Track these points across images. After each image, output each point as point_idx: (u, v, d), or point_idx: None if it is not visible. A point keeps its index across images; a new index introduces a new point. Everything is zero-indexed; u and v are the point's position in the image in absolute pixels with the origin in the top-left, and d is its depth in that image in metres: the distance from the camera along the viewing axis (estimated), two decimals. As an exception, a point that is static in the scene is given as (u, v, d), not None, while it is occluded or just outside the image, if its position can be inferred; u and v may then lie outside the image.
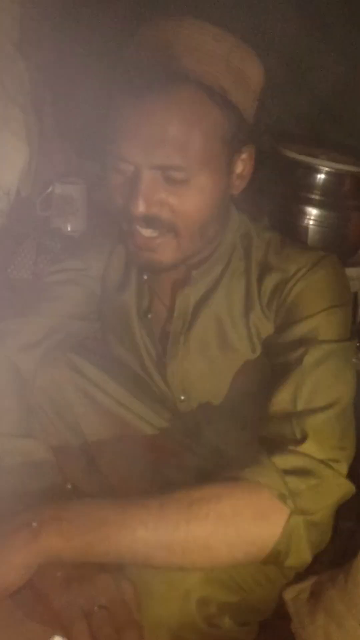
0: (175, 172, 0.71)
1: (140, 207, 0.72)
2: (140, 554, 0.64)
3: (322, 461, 0.67)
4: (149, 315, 0.89)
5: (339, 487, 0.67)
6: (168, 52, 0.70)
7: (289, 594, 0.76)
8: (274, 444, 0.69)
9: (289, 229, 1.03)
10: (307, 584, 0.76)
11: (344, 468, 0.69)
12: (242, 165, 0.78)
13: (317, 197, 1.13)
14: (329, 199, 1.13)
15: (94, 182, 1.44)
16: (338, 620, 0.70)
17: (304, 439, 0.68)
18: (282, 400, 0.72)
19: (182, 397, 0.89)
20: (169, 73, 0.69)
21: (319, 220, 1.13)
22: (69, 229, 1.44)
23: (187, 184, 0.72)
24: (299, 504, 0.65)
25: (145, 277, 0.89)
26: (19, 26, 1.29)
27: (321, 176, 1.12)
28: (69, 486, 0.82)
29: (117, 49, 0.79)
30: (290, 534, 0.65)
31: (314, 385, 0.71)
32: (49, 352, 0.90)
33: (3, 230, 1.34)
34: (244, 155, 0.78)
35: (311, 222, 1.13)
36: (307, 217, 1.13)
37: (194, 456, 0.89)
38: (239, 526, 0.64)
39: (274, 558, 0.66)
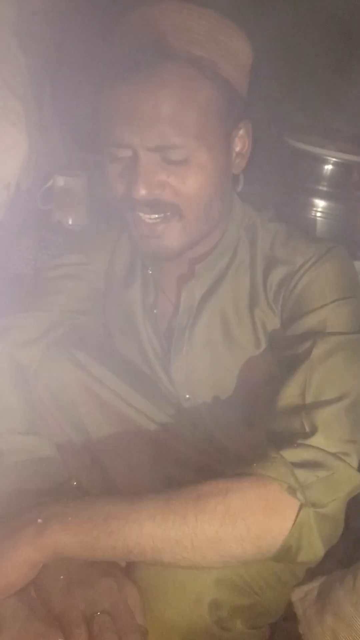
0: (173, 152, 0.71)
1: (142, 191, 0.71)
2: (148, 548, 0.63)
3: (332, 454, 0.66)
4: (155, 311, 0.88)
5: (349, 479, 0.66)
6: (153, 33, 0.70)
7: (296, 595, 0.75)
8: (283, 438, 0.68)
9: (296, 220, 1.01)
10: (314, 585, 0.75)
11: (354, 461, 0.68)
12: (241, 142, 0.78)
13: (324, 189, 1.12)
14: (337, 190, 1.11)
15: (96, 174, 1.43)
16: (346, 621, 0.69)
17: (313, 432, 0.67)
18: (290, 394, 0.70)
19: (187, 396, 0.88)
20: (155, 52, 0.69)
21: (327, 212, 1.12)
22: (70, 222, 1.42)
23: (187, 163, 0.72)
24: (309, 497, 0.64)
25: (150, 271, 0.87)
26: (18, 16, 1.27)
27: (329, 167, 1.11)
28: (74, 483, 0.81)
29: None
30: (301, 527, 0.64)
31: (323, 378, 0.70)
32: (51, 348, 0.89)
33: (3, 224, 1.32)
34: (241, 132, 0.77)
35: (318, 214, 1.12)
36: (315, 208, 1.12)
37: (198, 453, 0.88)
38: (248, 519, 0.63)
39: (285, 553, 0.65)
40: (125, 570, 0.68)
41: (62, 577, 0.64)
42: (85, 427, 0.90)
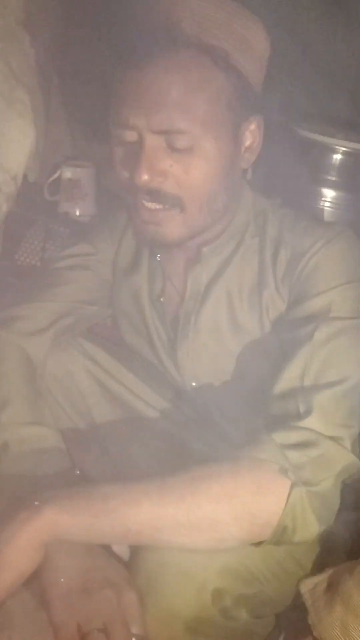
0: (178, 138, 0.70)
1: (144, 176, 0.71)
2: (147, 526, 0.63)
3: (324, 435, 0.67)
4: (161, 299, 0.88)
5: (340, 457, 0.67)
6: (168, 18, 0.70)
7: (305, 586, 0.75)
8: (277, 421, 0.68)
9: (305, 210, 1.01)
10: (323, 576, 0.75)
11: (347, 445, 0.68)
12: (251, 137, 0.77)
13: (333, 178, 1.10)
14: (346, 180, 1.10)
15: (103, 165, 1.42)
16: (356, 611, 0.69)
17: (307, 414, 0.67)
18: (289, 376, 0.70)
19: (194, 383, 0.88)
20: (169, 38, 0.69)
21: (335, 202, 1.11)
22: (77, 213, 1.42)
23: (192, 152, 0.71)
24: (301, 476, 0.65)
25: (158, 258, 0.87)
26: (26, 5, 1.26)
27: (337, 156, 1.10)
28: (77, 472, 0.81)
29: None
30: (294, 506, 0.64)
31: (324, 362, 0.70)
32: (59, 337, 0.89)
33: (10, 215, 1.32)
34: (252, 126, 0.77)
35: (327, 204, 1.11)
36: (323, 198, 1.11)
37: (206, 444, 0.88)
38: (243, 499, 0.64)
39: (282, 533, 0.65)
40: (129, 559, 0.68)
41: (62, 579, 0.64)
42: (93, 418, 0.91)
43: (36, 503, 0.64)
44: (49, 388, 0.89)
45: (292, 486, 0.64)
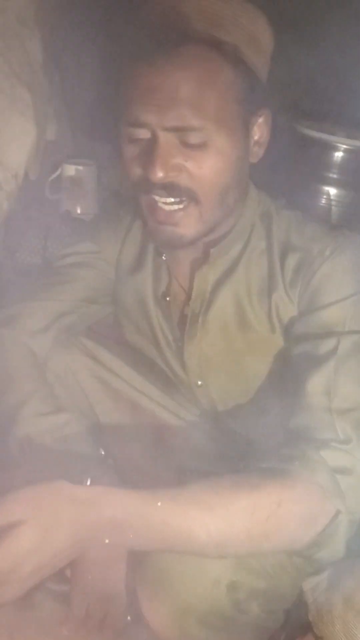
0: (191, 134, 0.70)
1: (159, 172, 0.71)
2: (196, 552, 0.64)
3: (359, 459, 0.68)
4: (167, 299, 0.88)
5: None
6: (176, 14, 0.70)
7: (307, 584, 0.75)
8: (315, 438, 0.68)
9: (307, 208, 1.01)
10: (325, 574, 0.75)
11: None
12: (259, 131, 0.78)
13: (336, 176, 1.10)
14: (349, 177, 1.10)
15: (104, 163, 1.42)
16: (356, 609, 0.69)
17: (348, 438, 0.68)
18: (315, 391, 0.71)
19: (199, 382, 0.88)
20: (179, 34, 0.69)
21: (338, 200, 1.11)
22: (79, 211, 1.42)
23: (205, 148, 0.71)
24: (346, 504, 0.66)
25: (164, 257, 0.87)
26: (27, 3, 1.26)
27: (340, 154, 1.10)
28: (102, 452, 0.81)
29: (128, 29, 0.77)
30: (332, 533, 0.66)
31: (348, 379, 0.70)
32: (61, 335, 0.89)
33: (11, 213, 1.32)
34: (260, 120, 0.77)
35: (329, 202, 1.11)
36: (325, 196, 1.11)
37: (211, 441, 0.88)
38: (291, 528, 0.65)
39: (307, 549, 0.67)
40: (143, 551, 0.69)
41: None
42: (96, 417, 0.90)
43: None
44: (52, 387, 0.89)
45: (337, 512, 0.65)
